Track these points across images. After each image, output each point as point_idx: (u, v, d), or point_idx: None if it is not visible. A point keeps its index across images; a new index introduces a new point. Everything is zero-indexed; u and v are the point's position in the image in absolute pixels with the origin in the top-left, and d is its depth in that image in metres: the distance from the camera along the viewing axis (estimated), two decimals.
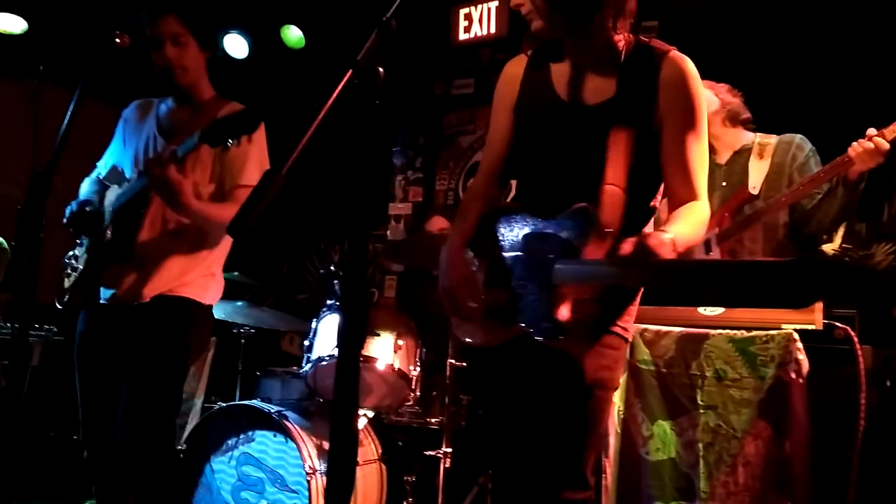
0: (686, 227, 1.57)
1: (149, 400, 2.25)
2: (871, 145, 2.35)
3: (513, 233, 1.69)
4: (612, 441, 2.37)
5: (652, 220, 1.77)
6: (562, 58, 1.75)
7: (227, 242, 2.48)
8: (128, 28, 2.16)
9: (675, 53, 1.66)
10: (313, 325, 3.17)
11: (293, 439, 2.80)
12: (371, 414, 3.15)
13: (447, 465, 3.06)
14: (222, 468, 2.95)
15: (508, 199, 1.89)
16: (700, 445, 2.21)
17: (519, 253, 1.66)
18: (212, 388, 4.04)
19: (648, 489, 2.30)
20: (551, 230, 1.61)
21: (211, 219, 2.27)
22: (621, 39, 1.68)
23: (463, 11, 4.56)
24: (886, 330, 2.38)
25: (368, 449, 3.11)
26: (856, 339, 2.13)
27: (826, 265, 1.28)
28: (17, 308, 1.95)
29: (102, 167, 2.58)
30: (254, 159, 2.37)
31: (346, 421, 1.14)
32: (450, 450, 3.10)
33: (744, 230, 2.66)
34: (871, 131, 2.37)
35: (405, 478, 3.26)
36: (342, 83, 1.15)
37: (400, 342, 3.07)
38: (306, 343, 3.16)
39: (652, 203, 1.74)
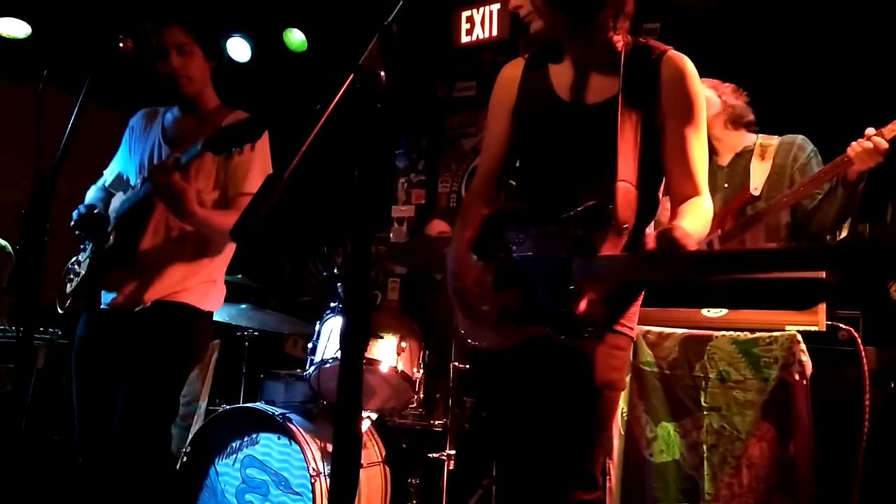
0: (694, 221, 1.58)
1: (145, 405, 2.25)
2: (870, 145, 2.34)
3: (521, 233, 1.69)
4: (616, 443, 2.37)
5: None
6: (560, 59, 1.76)
7: (229, 250, 2.48)
8: (131, 32, 2.17)
9: (673, 52, 1.68)
10: (317, 327, 3.18)
11: (297, 442, 2.80)
12: (375, 416, 3.15)
13: (451, 468, 3.06)
14: (226, 471, 2.96)
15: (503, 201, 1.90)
16: (704, 447, 2.21)
17: (529, 253, 1.66)
18: (216, 391, 4.04)
19: (652, 491, 2.30)
20: (563, 229, 1.61)
21: (214, 226, 2.28)
22: (620, 40, 1.69)
23: (465, 14, 4.57)
24: (890, 331, 2.38)
25: (372, 451, 3.12)
26: (859, 341, 2.13)
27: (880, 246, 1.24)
28: (21, 311, 1.95)
29: (108, 175, 2.60)
30: (257, 167, 2.37)
31: (349, 423, 1.14)
32: (453, 452, 3.10)
33: (746, 231, 2.66)
34: (870, 131, 2.36)
35: (409, 480, 3.26)
36: (343, 88, 1.15)
37: (403, 344, 3.07)
38: (310, 345, 3.16)
39: (656, 197, 1.76)
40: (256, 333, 3.77)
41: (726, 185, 2.77)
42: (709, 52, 2.29)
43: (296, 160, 1.16)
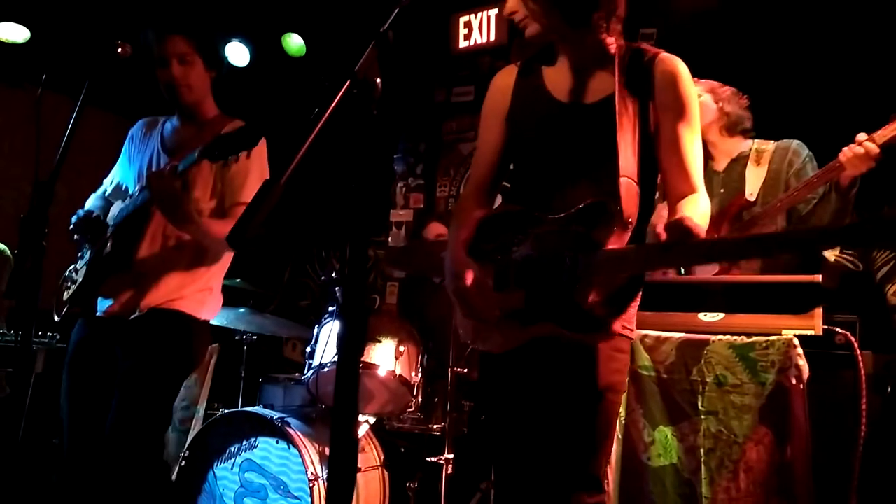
0: (696, 216, 1.58)
1: (137, 412, 2.24)
2: (862, 150, 2.34)
3: (519, 233, 1.69)
4: (614, 447, 2.37)
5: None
6: (554, 62, 1.78)
7: (226, 258, 2.48)
8: (130, 38, 2.18)
9: (665, 55, 1.71)
10: (315, 331, 3.18)
11: (295, 446, 2.80)
12: (373, 420, 3.16)
13: (449, 472, 3.06)
14: (225, 475, 2.96)
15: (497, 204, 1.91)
16: (701, 451, 2.20)
17: (531, 252, 1.66)
18: (214, 395, 4.04)
19: (650, 495, 2.30)
20: (565, 227, 1.62)
21: (210, 234, 2.28)
22: (613, 42, 1.72)
23: (463, 19, 4.59)
24: (887, 335, 2.38)
25: (370, 455, 3.12)
26: (856, 345, 2.13)
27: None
28: (20, 315, 1.96)
29: (108, 184, 2.60)
30: (254, 176, 2.38)
31: (346, 427, 1.14)
32: (452, 456, 3.10)
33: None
34: (861, 136, 2.36)
35: (407, 484, 3.26)
36: (340, 94, 1.16)
37: (401, 348, 3.07)
38: (308, 349, 3.16)
39: (654, 193, 1.78)
40: (255, 337, 3.78)
41: (722, 191, 2.78)
42: (704, 58, 2.30)
43: (293, 165, 1.16)
